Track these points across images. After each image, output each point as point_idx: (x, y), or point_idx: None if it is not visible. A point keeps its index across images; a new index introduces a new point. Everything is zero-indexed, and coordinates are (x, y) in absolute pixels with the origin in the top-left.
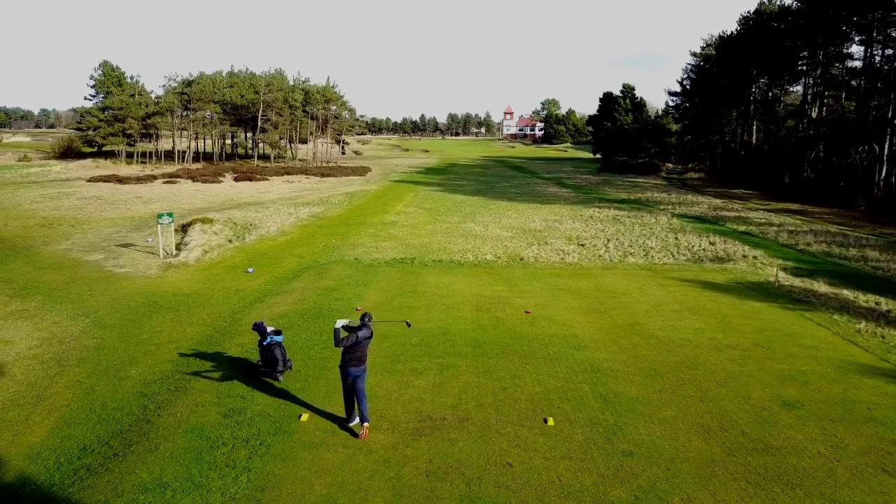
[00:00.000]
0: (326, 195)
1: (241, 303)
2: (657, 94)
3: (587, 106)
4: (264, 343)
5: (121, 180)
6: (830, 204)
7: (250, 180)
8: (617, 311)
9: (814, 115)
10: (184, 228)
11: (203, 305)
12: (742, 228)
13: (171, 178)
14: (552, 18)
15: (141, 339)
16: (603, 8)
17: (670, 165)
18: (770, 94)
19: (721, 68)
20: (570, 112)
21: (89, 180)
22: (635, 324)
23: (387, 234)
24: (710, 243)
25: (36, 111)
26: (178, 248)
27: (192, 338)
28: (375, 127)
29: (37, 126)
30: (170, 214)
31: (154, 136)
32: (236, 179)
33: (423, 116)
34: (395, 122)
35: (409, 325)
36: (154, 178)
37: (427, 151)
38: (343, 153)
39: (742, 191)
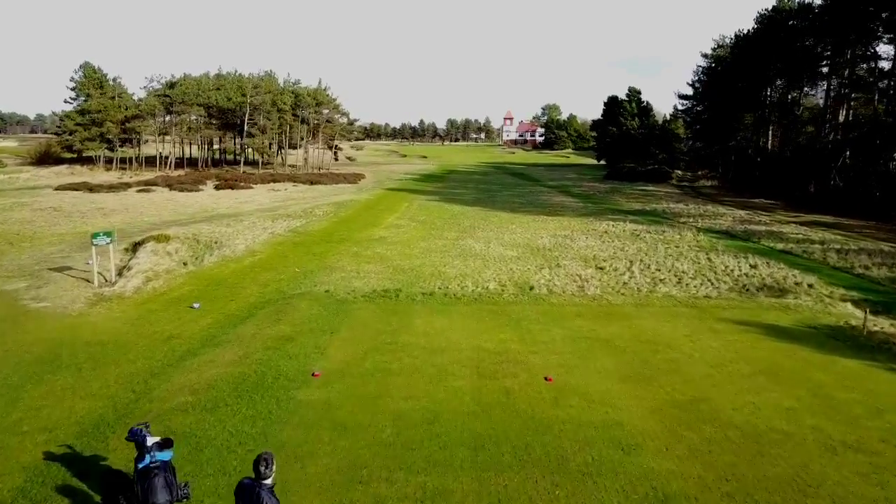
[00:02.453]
0: (311, 206)
1: (168, 358)
2: (658, 98)
3: (588, 111)
4: (139, 466)
5: (91, 189)
6: (866, 216)
7: (232, 188)
8: (668, 375)
9: (840, 118)
10: (135, 247)
11: (117, 362)
12: (780, 246)
13: (147, 185)
14: (551, 23)
15: (7, 422)
16: (602, 12)
17: (679, 172)
18: (789, 96)
19: (736, 69)
20: (572, 117)
21: (57, 188)
22: (699, 399)
23: (372, 254)
24: (751, 266)
25: (32, 116)
26: (120, 273)
27: (78, 421)
28: (374, 132)
29: (32, 131)
30: (108, 233)
31: (136, 142)
32: (217, 187)
33: (422, 122)
34: (394, 128)
35: None
36: (128, 185)
37: (425, 157)
38: (336, 159)
39: (763, 200)
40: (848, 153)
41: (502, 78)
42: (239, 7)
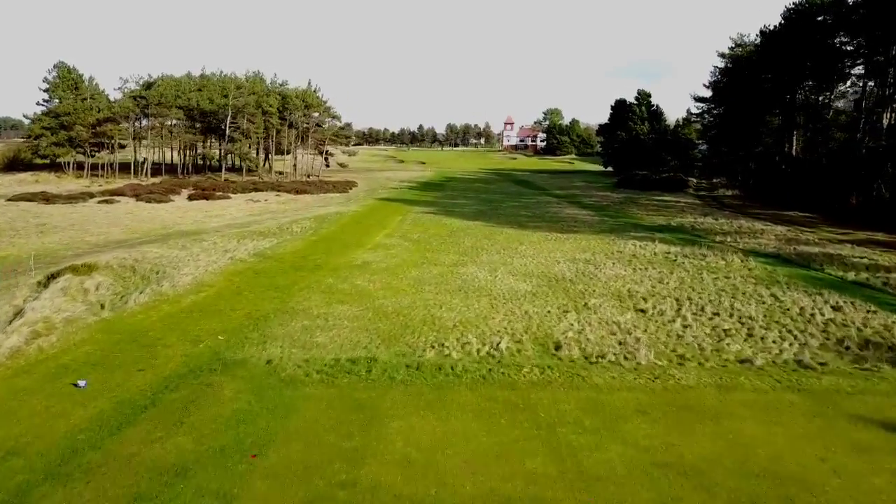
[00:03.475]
0: (290, 220)
1: None
2: (663, 103)
3: (591, 115)
4: None
5: (48, 199)
6: None
7: (206, 199)
8: None
9: (885, 122)
10: (48, 281)
11: None
12: (851, 276)
13: (113, 195)
14: (552, 27)
15: None
16: (603, 16)
17: (694, 181)
18: (820, 99)
19: (762, 68)
20: (574, 122)
21: (10, 199)
22: None
23: (349, 289)
24: (834, 308)
25: (27, 121)
26: (12, 321)
27: None
28: (372, 137)
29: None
30: None
31: (111, 146)
32: (190, 198)
33: (421, 126)
34: (393, 133)
35: None
36: (91, 195)
37: (423, 163)
38: (327, 165)
39: (797, 213)
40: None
41: (502, 82)
42: (236, 8)
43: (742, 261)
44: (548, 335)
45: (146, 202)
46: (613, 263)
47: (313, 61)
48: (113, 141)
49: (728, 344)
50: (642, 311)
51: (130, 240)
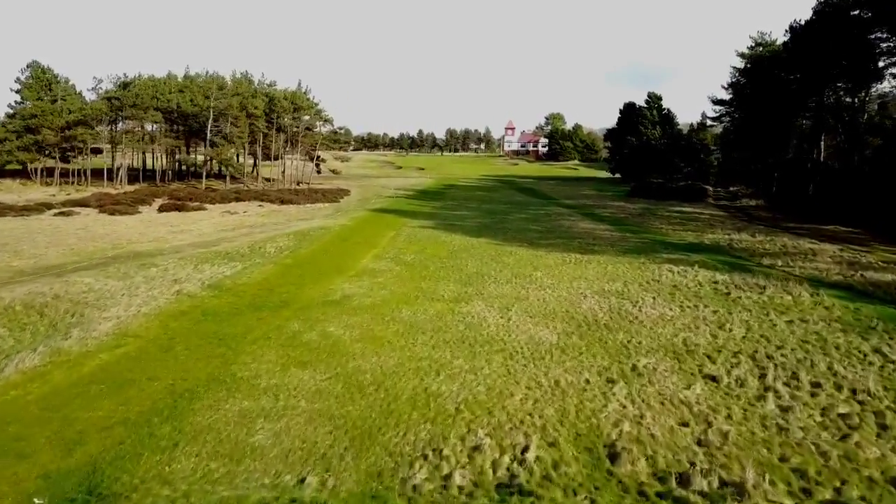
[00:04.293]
0: (265, 236)
1: None
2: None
3: (594, 120)
4: None
5: None
6: None
7: (179, 210)
8: None
9: None
10: None
11: None
12: None
13: (75, 206)
14: (551, 29)
15: None
16: (603, 17)
17: (711, 189)
18: (855, 100)
19: (787, 68)
20: (577, 127)
21: None
22: None
23: (317, 342)
24: None
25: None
26: None
27: None
28: (371, 142)
29: None
30: None
31: (85, 152)
32: (161, 209)
33: (420, 132)
34: (392, 138)
35: None
36: (49, 206)
37: (422, 169)
38: (318, 172)
39: (839, 227)
40: None
41: (503, 87)
42: (235, 10)
43: (812, 295)
44: (594, 429)
45: (109, 214)
46: (654, 298)
47: (313, 65)
48: (85, 145)
49: (858, 444)
50: (713, 378)
51: (66, 264)
